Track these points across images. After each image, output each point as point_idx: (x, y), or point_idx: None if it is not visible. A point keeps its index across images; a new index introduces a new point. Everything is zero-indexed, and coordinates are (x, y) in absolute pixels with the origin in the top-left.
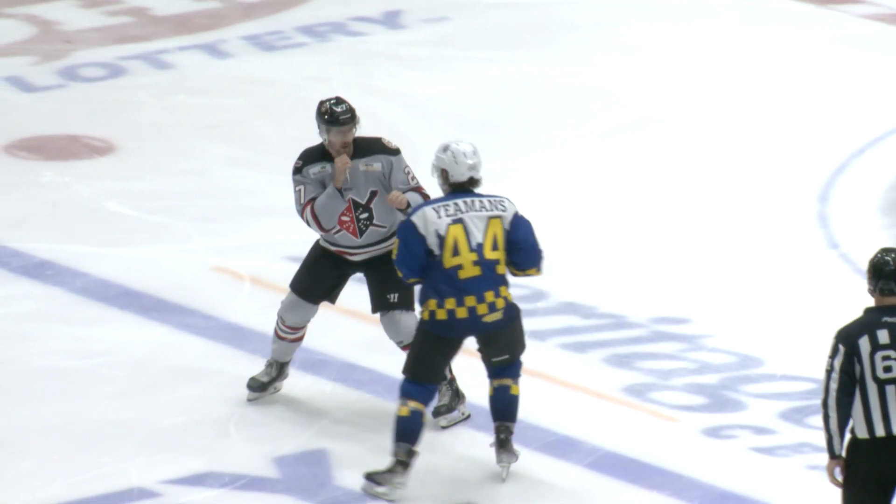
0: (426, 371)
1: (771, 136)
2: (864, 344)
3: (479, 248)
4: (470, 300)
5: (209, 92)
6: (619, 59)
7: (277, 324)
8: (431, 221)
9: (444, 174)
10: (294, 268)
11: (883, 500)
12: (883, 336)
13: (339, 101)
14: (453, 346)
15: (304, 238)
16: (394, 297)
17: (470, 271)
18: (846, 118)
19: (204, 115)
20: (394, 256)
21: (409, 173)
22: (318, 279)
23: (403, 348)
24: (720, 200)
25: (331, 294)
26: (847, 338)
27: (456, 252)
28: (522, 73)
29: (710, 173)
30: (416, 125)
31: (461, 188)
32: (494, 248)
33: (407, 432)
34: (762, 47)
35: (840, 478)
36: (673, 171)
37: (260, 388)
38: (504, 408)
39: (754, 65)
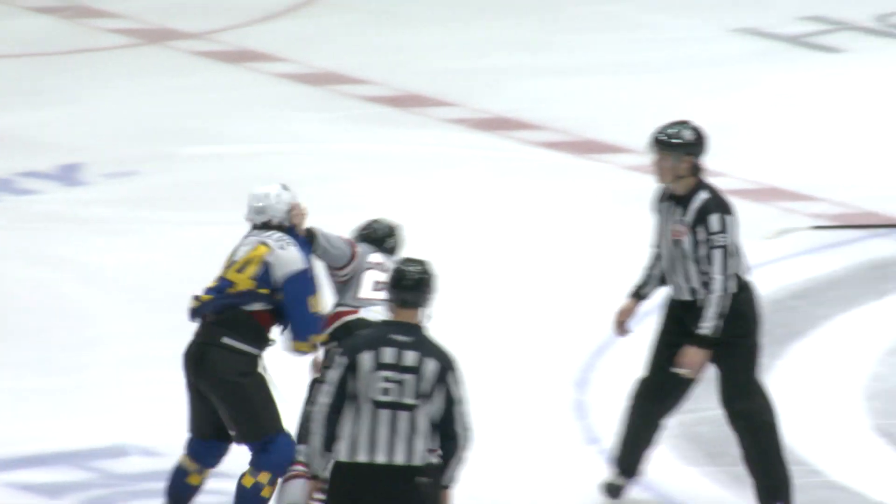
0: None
1: (522, 307)
2: (367, 360)
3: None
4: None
5: None
6: (345, 217)
7: None
8: None
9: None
10: None
11: None
12: (388, 355)
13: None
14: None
15: None
16: None
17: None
18: (612, 283)
19: None
20: None
21: None
22: None
23: None
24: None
25: None
26: (351, 350)
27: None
28: (228, 237)
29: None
30: (97, 301)
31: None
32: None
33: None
34: (514, 200)
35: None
36: None
37: None
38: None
39: (504, 220)
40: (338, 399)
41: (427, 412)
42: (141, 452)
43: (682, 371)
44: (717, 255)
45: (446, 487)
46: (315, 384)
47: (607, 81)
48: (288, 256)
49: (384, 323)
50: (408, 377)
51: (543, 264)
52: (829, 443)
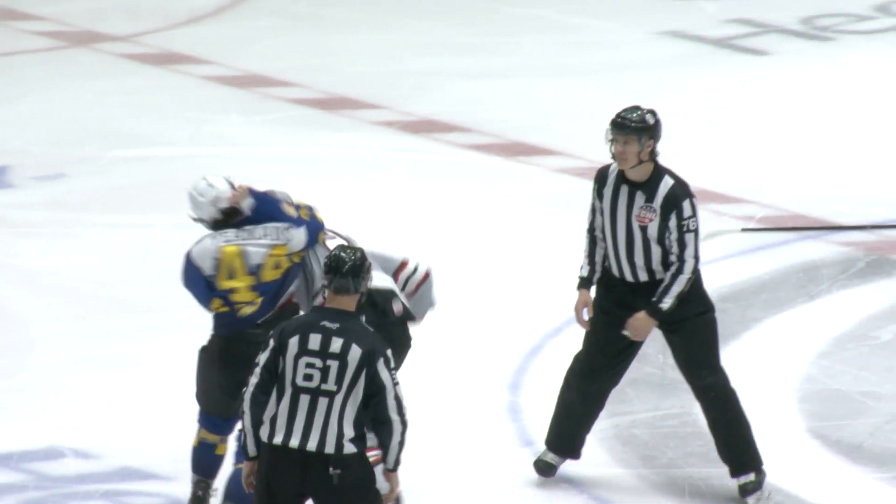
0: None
1: (454, 310)
2: (293, 344)
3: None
4: None
5: None
6: None
7: None
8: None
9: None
10: None
11: None
12: (314, 341)
13: None
14: None
15: None
16: None
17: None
18: (540, 289)
19: None
20: None
21: None
22: None
23: None
24: None
25: None
26: (281, 333)
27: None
28: (158, 240)
29: None
30: (26, 304)
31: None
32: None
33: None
34: (444, 202)
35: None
36: None
37: None
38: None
39: (434, 223)
40: (266, 381)
41: (352, 400)
42: (76, 455)
43: (630, 335)
44: (691, 238)
45: (392, 470)
46: None
47: (534, 84)
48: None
49: (317, 309)
50: (332, 363)
51: (474, 267)
52: (763, 446)
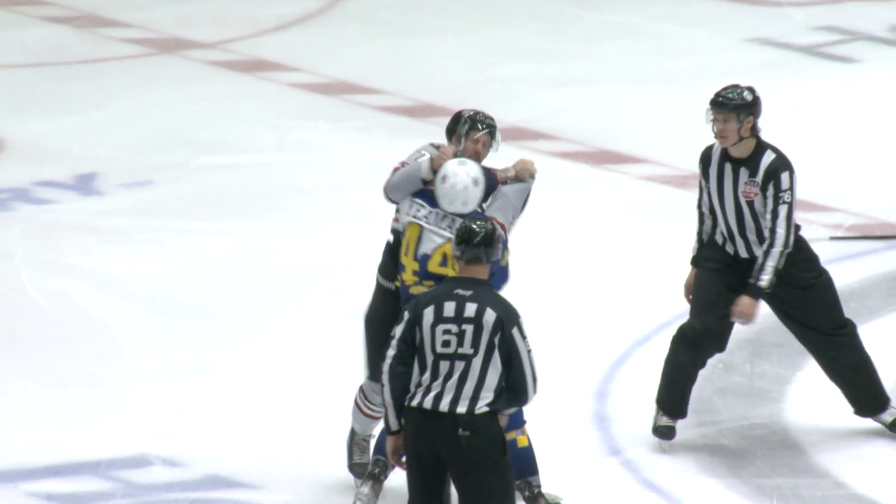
0: None
1: (541, 318)
2: (429, 314)
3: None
4: None
5: None
6: (361, 227)
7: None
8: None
9: None
10: None
11: (421, 476)
12: (449, 308)
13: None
14: None
15: None
16: None
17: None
18: (627, 297)
19: None
20: None
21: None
22: None
23: None
24: None
25: None
26: (416, 305)
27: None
28: (244, 247)
29: None
30: (114, 312)
31: None
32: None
33: None
34: (531, 209)
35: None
36: None
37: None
38: (518, 465)
39: (522, 230)
40: (403, 352)
41: (488, 364)
42: (163, 462)
43: (739, 321)
44: (783, 210)
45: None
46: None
47: (621, 91)
48: None
49: (449, 280)
50: (467, 327)
51: (560, 275)
52: (854, 455)
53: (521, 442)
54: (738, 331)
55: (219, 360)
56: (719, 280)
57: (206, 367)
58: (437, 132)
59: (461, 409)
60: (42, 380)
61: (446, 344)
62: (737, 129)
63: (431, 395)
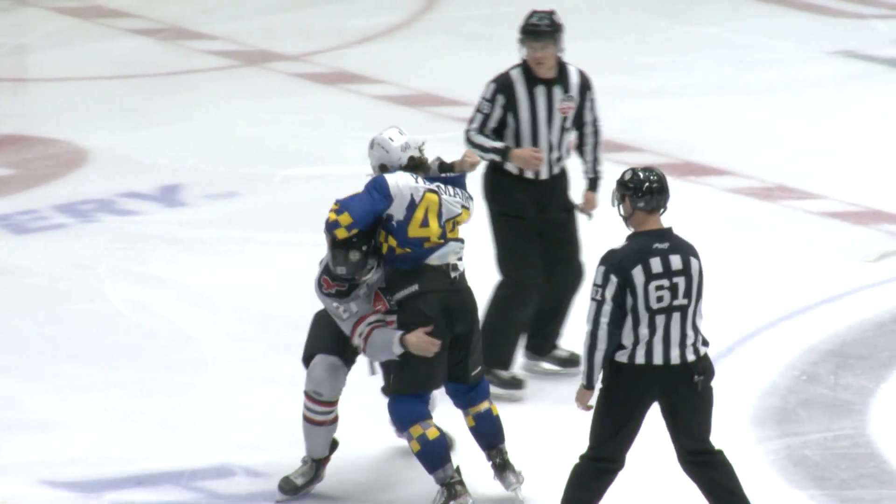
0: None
1: None
2: (638, 274)
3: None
4: None
5: None
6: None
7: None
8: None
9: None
10: None
11: (633, 424)
12: (656, 265)
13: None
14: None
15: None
16: None
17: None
18: (711, 309)
19: None
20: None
21: None
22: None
23: None
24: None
25: None
26: (620, 269)
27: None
28: None
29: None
30: (200, 322)
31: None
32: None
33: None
34: (612, 223)
35: (592, 403)
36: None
37: (293, 490)
38: (493, 434)
39: (604, 242)
40: (616, 314)
41: (697, 307)
42: (246, 473)
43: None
44: (597, 107)
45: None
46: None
47: (706, 103)
48: None
49: (638, 234)
50: (678, 280)
51: None
52: None
53: (494, 410)
54: (822, 343)
55: (302, 372)
56: (529, 230)
57: (290, 378)
58: None
59: (691, 356)
60: (126, 390)
61: (660, 299)
62: (554, 54)
63: (655, 352)
